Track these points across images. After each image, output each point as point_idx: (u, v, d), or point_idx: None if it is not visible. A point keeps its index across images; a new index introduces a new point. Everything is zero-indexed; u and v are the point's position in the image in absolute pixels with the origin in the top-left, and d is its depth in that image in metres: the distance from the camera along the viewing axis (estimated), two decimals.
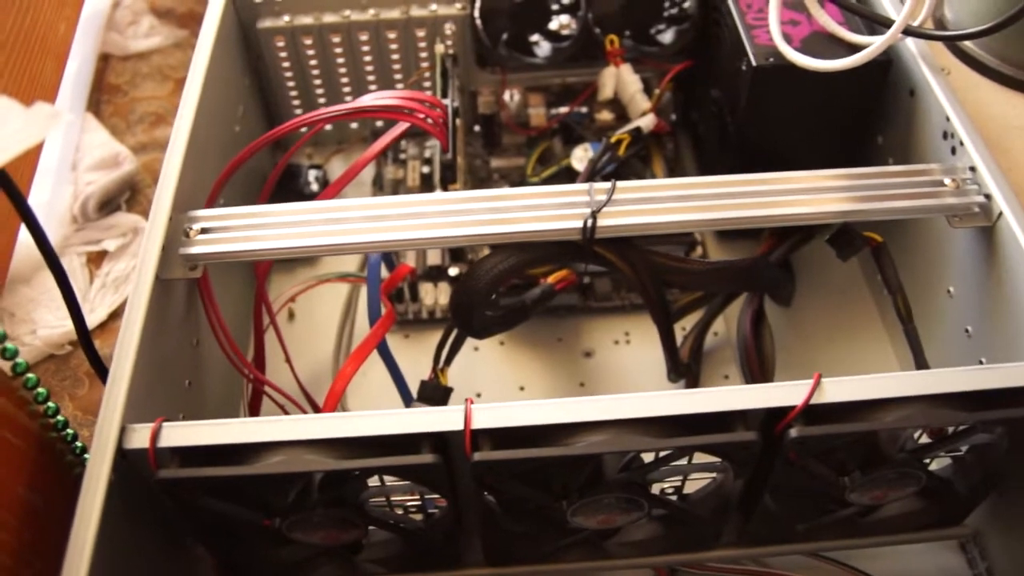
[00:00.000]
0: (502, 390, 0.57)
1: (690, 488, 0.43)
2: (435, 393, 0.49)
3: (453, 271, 0.59)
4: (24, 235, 0.45)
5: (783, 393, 0.36)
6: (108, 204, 0.68)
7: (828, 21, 0.53)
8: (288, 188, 0.67)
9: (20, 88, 0.45)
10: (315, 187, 0.68)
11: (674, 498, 0.42)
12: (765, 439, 0.37)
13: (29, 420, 0.38)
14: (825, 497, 0.42)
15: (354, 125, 0.72)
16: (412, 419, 0.36)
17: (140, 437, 0.36)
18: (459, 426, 0.35)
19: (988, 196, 0.45)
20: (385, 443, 0.36)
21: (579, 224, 0.43)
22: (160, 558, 0.42)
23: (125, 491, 0.37)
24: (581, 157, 0.62)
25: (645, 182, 0.45)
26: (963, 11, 0.59)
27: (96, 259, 0.65)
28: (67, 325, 0.60)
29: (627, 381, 0.57)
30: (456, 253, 0.60)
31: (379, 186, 0.67)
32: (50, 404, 0.39)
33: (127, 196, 0.69)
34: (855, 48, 0.50)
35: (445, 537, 0.42)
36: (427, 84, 0.68)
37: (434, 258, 0.60)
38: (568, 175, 0.63)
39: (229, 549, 0.42)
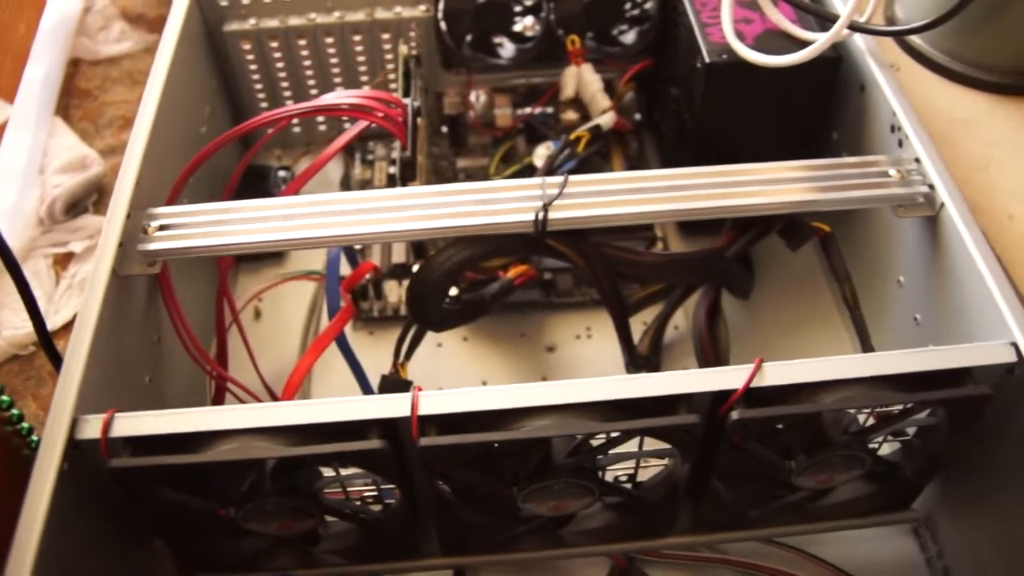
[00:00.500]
0: (464, 384, 0.57)
1: (643, 477, 0.43)
2: (395, 387, 0.50)
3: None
4: None
5: (726, 377, 0.37)
6: (75, 207, 0.68)
7: (780, 19, 0.54)
8: (257, 188, 0.67)
9: None
10: (283, 188, 0.68)
11: (627, 485, 0.43)
12: (711, 423, 0.38)
13: None
14: (773, 482, 0.42)
15: (322, 127, 0.73)
16: (360, 406, 0.36)
17: (92, 427, 0.37)
18: (406, 412, 0.36)
19: (931, 187, 0.46)
20: (335, 431, 0.36)
21: (531, 217, 0.44)
22: (117, 553, 0.42)
23: (77, 484, 0.37)
24: (543, 155, 0.63)
25: (598, 176, 0.46)
26: (913, 8, 0.60)
27: (63, 260, 0.66)
28: (31, 326, 0.60)
29: (588, 374, 0.56)
30: (420, 251, 0.61)
31: (347, 186, 0.68)
32: (4, 397, 0.39)
33: (94, 199, 0.69)
34: (806, 45, 0.51)
35: (402, 527, 0.42)
36: (392, 85, 0.68)
37: (399, 256, 0.61)
38: (530, 173, 0.63)
39: (187, 541, 0.42)
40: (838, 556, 0.49)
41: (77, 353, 0.39)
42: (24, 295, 0.40)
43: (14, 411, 0.40)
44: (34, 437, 0.42)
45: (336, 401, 0.37)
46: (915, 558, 0.50)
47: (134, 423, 0.37)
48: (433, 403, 0.36)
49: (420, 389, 0.37)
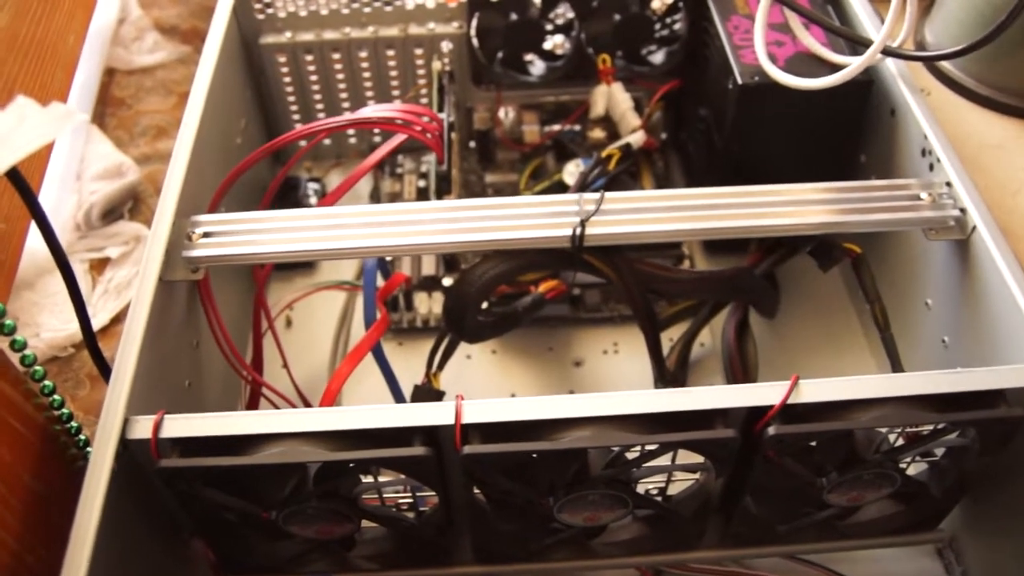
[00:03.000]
0: (493, 396, 0.58)
1: (674, 490, 0.44)
2: (428, 396, 0.51)
3: (447, 281, 0.61)
4: (28, 241, 0.47)
5: (762, 393, 0.38)
6: (111, 213, 0.70)
7: (812, 42, 0.55)
8: (287, 200, 0.68)
9: (31, 95, 0.47)
10: (313, 200, 0.69)
11: (658, 498, 0.43)
12: (745, 438, 0.39)
13: (35, 411, 0.39)
14: (804, 498, 0.43)
15: (352, 140, 0.74)
16: (405, 413, 0.37)
17: (143, 428, 0.38)
18: (450, 420, 0.37)
19: (963, 210, 0.46)
20: (379, 436, 0.37)
21: (568, 232, 0.45)
22: (158, 552, 0.43)
23: (126, 483, 0.38)
24: (573, 172, 0.64)
25: (633, 193, 0.47)
26: (943, 34, 0.61)
27: (99, 266, 0.67)
28: (69, 328, 0.61)
29: (615, 389, 0.57)
30: (450, 263, 0.62)
31: (376, 199, 0.69)
32: (56, 397, 0.40)
33: (130, 205, 0.71)
34: (837, 68, 0.52)
35: (436, 533, 0.43)
36: (424, 100, 0.69)
37: (429, 268, 0.62)
38: (560, 189, 0.64)
39: (226, 542, 0.43)
40: (860, 573, 0.49)
41: (127, 355, 0.40)
42: (74, 296, 0.41)
43: (64, 410, 0.41)
44: (81, 436, 0.43)
45: (381, 408, 0.38)
46: None
47: (183, 424, 0.38)
48: (477, 412, 0.37)
49: (462, 398, 0.38)
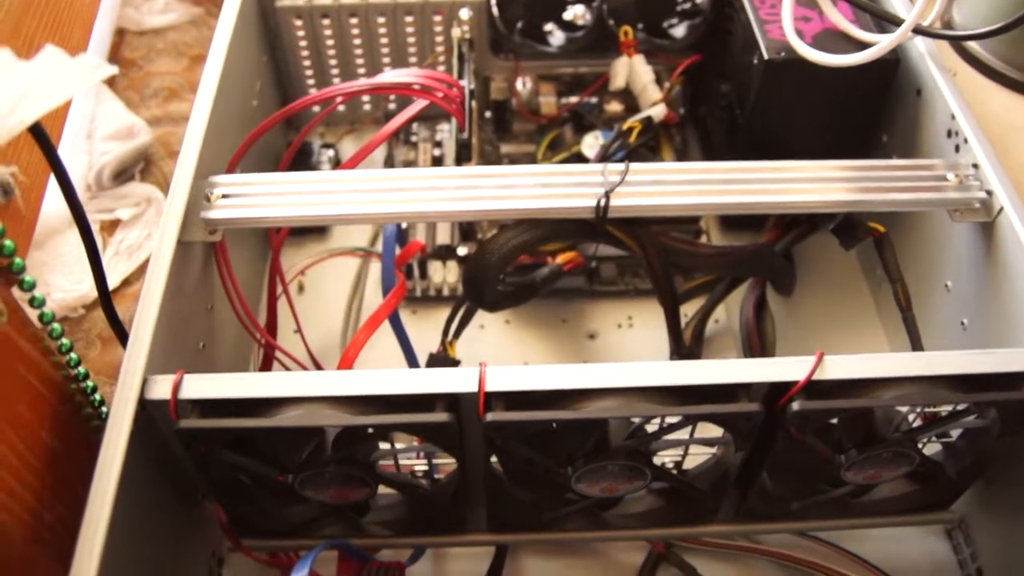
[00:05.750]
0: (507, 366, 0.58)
1: (690, 465, 0.44)
2: (444, 365, 0.50)
3: (462, 250, 0.60)
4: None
5: (787, 368, 0.38)
6: (122, 174, 0.69)
7: (839, 19, 0.54)
8: (301, 167, 0.68)
9: None
10: (327, 166, 0.69)
11: (675, 472, 0.43)
12: (767, 413, 0.38)
13: (52, 369, 0.39)
14: (821, 475, 0.43)
15: (367, 107, 0.73)
16: (428, 379, 0.37)
17: (162, 388, 0.37)
18: (473, 388, 0.37)
19: (990, 192, 0.46)
20: (400, 402, 0.37)
21: (592, 203, 0.45)
22: (172, 513, 0.43)
23: (143, 443, 0.38)
24: (591, 144, 0.64)
25: (658, 165, 0.47)
26: (971, 14, 0.60)
27: (109, 227, 0.66)
28: (80, 289, 0.60)
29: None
30: (466, 233, 0.61)
31: (391, 168, 0.68)
32: (72, 355, 0.40)
33: (141, 167, 0.70)
34: (865, 46, 0.52)
35: (451, 501, 0.43)
36: (441, 67, 0.69)
37: (444, 237, 0.61)
38: (578, 161, 0.64)
39: (241, 505, 0.43)
40: (871, 553, 0.49)
41: (146, 315, 0.40)
42: (91, 254, 0.40)
43: (80, 369, 0.41)
44: (97, 396, 0.42)
45: (403, 373, 0.37)
46: (947, 558, 0.50)
47: (202, 385, 0.37)
48: (500, 379, 0.37)
49: (485, 365, 0.37)
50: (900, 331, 0.51)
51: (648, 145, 0.63)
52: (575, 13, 0.67)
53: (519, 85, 0.69)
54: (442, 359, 0.50)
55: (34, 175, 0.41)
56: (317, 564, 0.40)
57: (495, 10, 0.65)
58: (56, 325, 0.39)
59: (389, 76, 0.53)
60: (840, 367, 0.38)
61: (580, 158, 0.64)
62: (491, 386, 0.37)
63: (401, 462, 0.43)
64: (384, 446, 0.40)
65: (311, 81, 0.70)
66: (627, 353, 0.58)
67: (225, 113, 0.53)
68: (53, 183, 0.40)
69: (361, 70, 0.70)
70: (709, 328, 0.58)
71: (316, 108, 0.69)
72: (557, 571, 0.50)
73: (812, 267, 0.61)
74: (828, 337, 0.59)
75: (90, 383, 0.42)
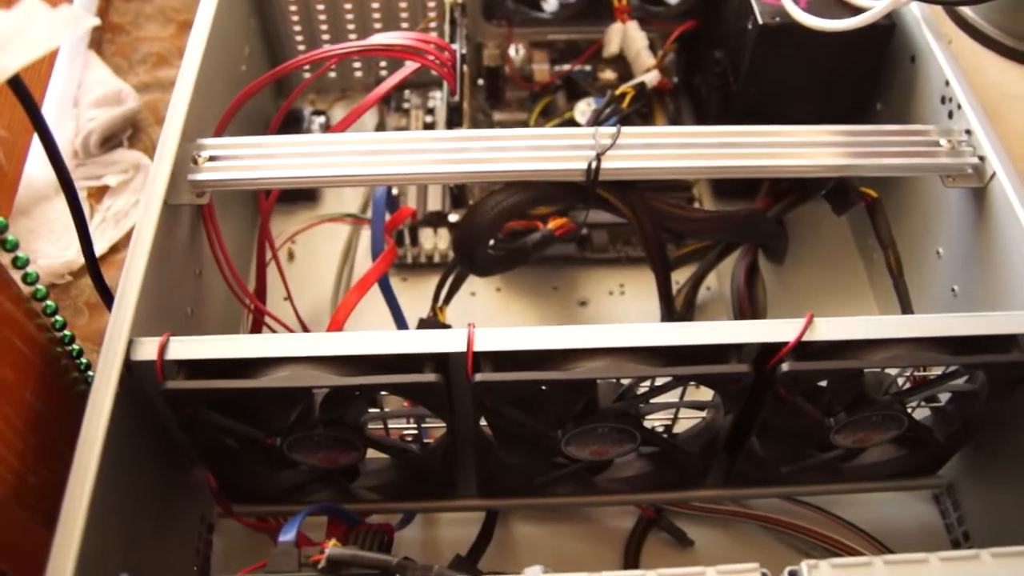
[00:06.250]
0: None
1: (679, 430, 0.44)
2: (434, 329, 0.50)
3: (453, 217, 0.60)
4: (26, 166, 0.45)
5: (778, 329, 0.38)
6: (110, 140, 0.68)
7: None
8: (291, 132, 0.67)
9: None
10: (318, 132, 0.68)
11: (665, 435, 0.43)
12: (756, 376, 0.38)
13: (37, 331, 0.39)
14: (810, 439, 0.43)
15: (358, 73, 0.73)
16: (416, 339, 0.37)
17: (148, 350, 0.37)
18: (462, 348, 0.36)
19: (982, 158, 0.46)
20: (388, 363, 0.37)
21: (583, 165, 0.44)
22: (160, 478, 0.43)
23: (129, 406, 0.37)
24: (584, 111, 0.63)
25: (650, 128, 0.46)
26: None
27: (96, 194, 0.65)
28: (66, 256, 0.60)
29: None
30: (457, 199, 0.61)
31: None
32: (58, 318, 0.40)
33: (129, 133, 0.69)
34: (860, 11, 0.51)
35: (441, 465, 0.43)
36: (433, 32, 0.68)
37: (435, 203, 0.61)
38: (571, 127, 0.63)
39: (229, 469, 0.43)
40: (859, 518, 0.49)
41: (132, 277, 0.39)
42: (77, 218, 0.40)
43: (67, 332, 0.40)
44: (83, 360, 0.42)
45: (391, 334, 0.37)
46: (935, 522, 0.51)
47: (189, 347, 0.37)
48: (489, 339, 0.37)
49: (473, 326, 0.37)
50: (891, 300, 0.51)
51: (641, 112, 0.62)
52: None
53: (512, 52, 0.68)
54: (432, 324, 0.50)
55: (17, 133, 0.40)
56: (307, 529, 0.40)
57: None
58: (41, 287, 0.38)
59: (380, 38, 0.52)
60: (830, 328, 0.38)
61: (573, 124, 0.63)
62: (480, 346, 0.36)
63: (391, 427, 0.43)
64: (373, 410, 0.40)
65: (301, 48, 0.70)
66: (618, 320, 0.58)
67: (213, 77, 0.52)
68: (39, 149, 0.39)
69: (352, 35, 0.69)
70: (701, 295, 0.58)
71: (307, 74, 0.68)
72: (547, 536, 0.50)
73: (804, 236, 0.61)
74: (819, 305, 0.58)
75: (76, 347, 0.41)
